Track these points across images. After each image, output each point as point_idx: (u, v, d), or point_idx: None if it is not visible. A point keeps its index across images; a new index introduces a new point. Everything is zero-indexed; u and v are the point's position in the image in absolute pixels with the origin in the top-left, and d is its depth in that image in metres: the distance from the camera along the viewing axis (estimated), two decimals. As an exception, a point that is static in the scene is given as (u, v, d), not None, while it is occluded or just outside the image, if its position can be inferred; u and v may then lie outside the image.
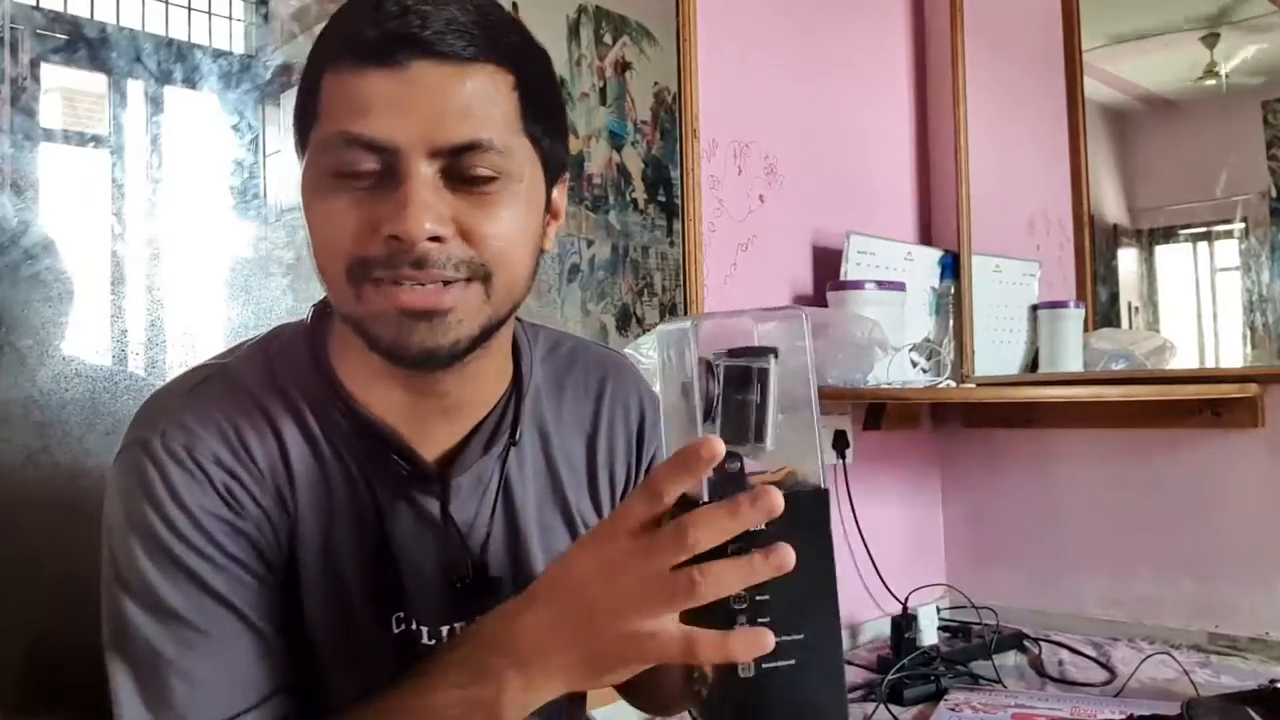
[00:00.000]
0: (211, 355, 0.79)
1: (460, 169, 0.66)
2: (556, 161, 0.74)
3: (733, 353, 0.58)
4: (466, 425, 0.78)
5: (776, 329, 0.59)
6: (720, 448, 0.54)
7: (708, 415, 0.58)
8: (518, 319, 0.82)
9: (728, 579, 0.54)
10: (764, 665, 0.55)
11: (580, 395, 0.87)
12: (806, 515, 0.56)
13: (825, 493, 0.57)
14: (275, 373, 0.75)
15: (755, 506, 0.53)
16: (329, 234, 0.67)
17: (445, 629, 0.76)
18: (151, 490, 0.68)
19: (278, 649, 0.70)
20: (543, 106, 0.71)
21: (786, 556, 0.53)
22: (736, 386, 0.57)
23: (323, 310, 0.78)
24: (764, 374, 0.57)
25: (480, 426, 0.78)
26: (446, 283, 0.66)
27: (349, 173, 0.66)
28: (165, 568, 0.67)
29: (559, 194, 0.76)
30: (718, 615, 0.54)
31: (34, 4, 0.94)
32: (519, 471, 0.81)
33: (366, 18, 0.65)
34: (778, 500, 0.53)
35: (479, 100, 0.66)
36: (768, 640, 0.54)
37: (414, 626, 0.76)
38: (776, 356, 0.57)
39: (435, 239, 0.65)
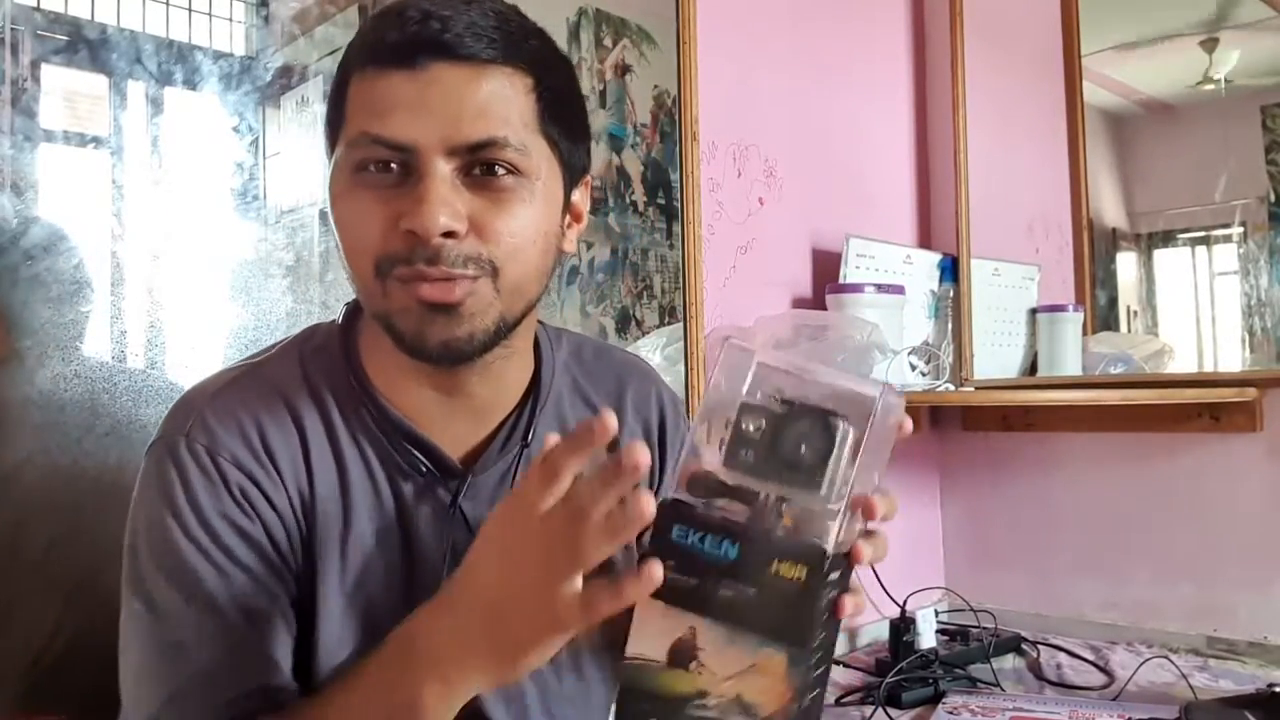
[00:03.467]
0: (247, 355, 0.82)
1: (479, 167, 0.69)
2: (576, 163, 0.76)
3: (788, 402, 0.60)
4: (490, 425, 0.80)
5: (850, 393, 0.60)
6: (611, 422, 0.56)
7: (735, 452, 0.59)
8: (541, 323, 0.85)
9: (601, 512, 0.55)
10: (809, 697, 0.58)
11: (602, 398, 0.89)
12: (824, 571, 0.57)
13: (821, 552, 0.57)
14: (308, 371, 0.77)
15: (625, 464, 0.55)
16: (356, 232, 0.70)
17: None
18: (169, 488, 0.70)
19: (270, 652, 0.71)
20: (561, 110, 0.73)
21: (638, 455, 0.55)
22: (800, 433, 0.59)
23: (355, 309, 0.80)
24: (835, 431, 0.58)
25: (502, 426, 0.80)
26: (455, 279, 0.68)
27: (371, 171, 0.69)
28: (171, 571, 0.69)
29: (580, 196, 0.79)
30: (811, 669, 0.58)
31: (35, 5, 0.94)
32: None
33: (391, 24, 0.68)
34: (643, 456, 0.55)
35: (496, 101, 0.69)
36: (654, 575, 0.55)
37: None
38: (845, 421, 0.58)
39: (449, 234, 0.67)
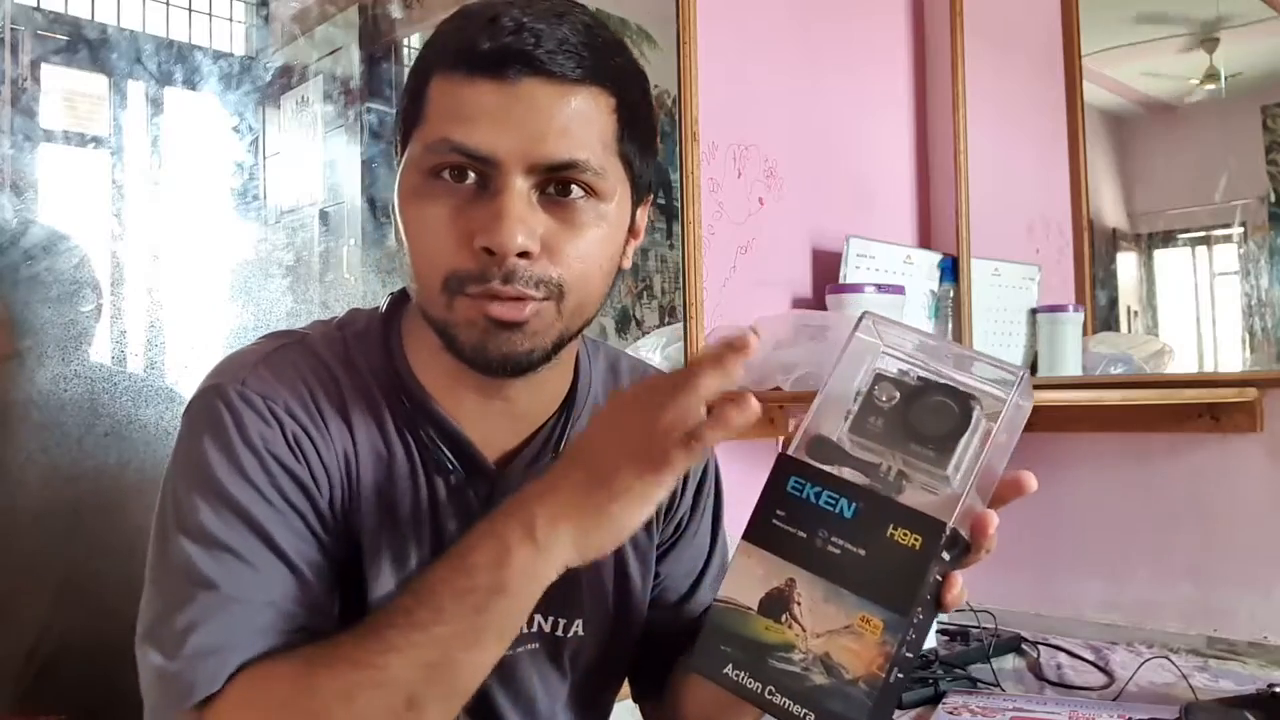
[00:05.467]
0: (281, 329, 0.81)
1: (554, 186, 0.69)
2: (644, 183, 0.76)
3: (924, 377, 0.60)
4: (525, 431, 0.80)
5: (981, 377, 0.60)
6: (752, 340, 0.59)
7: (863, 420, 0.60)
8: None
9: (730, 414, 0.59)
10: (896, 672, 0.58)
11: None
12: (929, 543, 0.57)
13: (941, 524, 0.57)
14: (351, 353, 0.77)
15: (736, 347, 0.59)
16: (427, 243, 0.69)
17: None
18: (221, 429, 0.69)
19: (319, 597, 0.70)
20: (639, 129, 0.73)
21: (752, 405, 0.59)
22: (933, 409, 0.59)
23: (399, 300, 0.80)
24: (972, 412, 0.58)
25: (538, 433, 0.80)
26: (525, 299, 0.68)
27: (446, 178, 0.68)
28: (220, 506, 0.67)
29: (641, 214, 0.79)
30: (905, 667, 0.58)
31: (35, 5, 0.94)
32: None
33: (482, 30, 0.67)
34: (750, 341, 0.59)
35: (580, 121, 0.68)
36: (753, 405, 0.59)
37: None
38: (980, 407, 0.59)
39: (524, 254, 0.67)
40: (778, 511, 0.59)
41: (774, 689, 0.58)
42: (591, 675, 0.86)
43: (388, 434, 0.76)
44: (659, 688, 0.92)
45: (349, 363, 0.76)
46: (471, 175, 0.68)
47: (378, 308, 0.81)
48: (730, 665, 0.59)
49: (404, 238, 0.72)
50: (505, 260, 0.67)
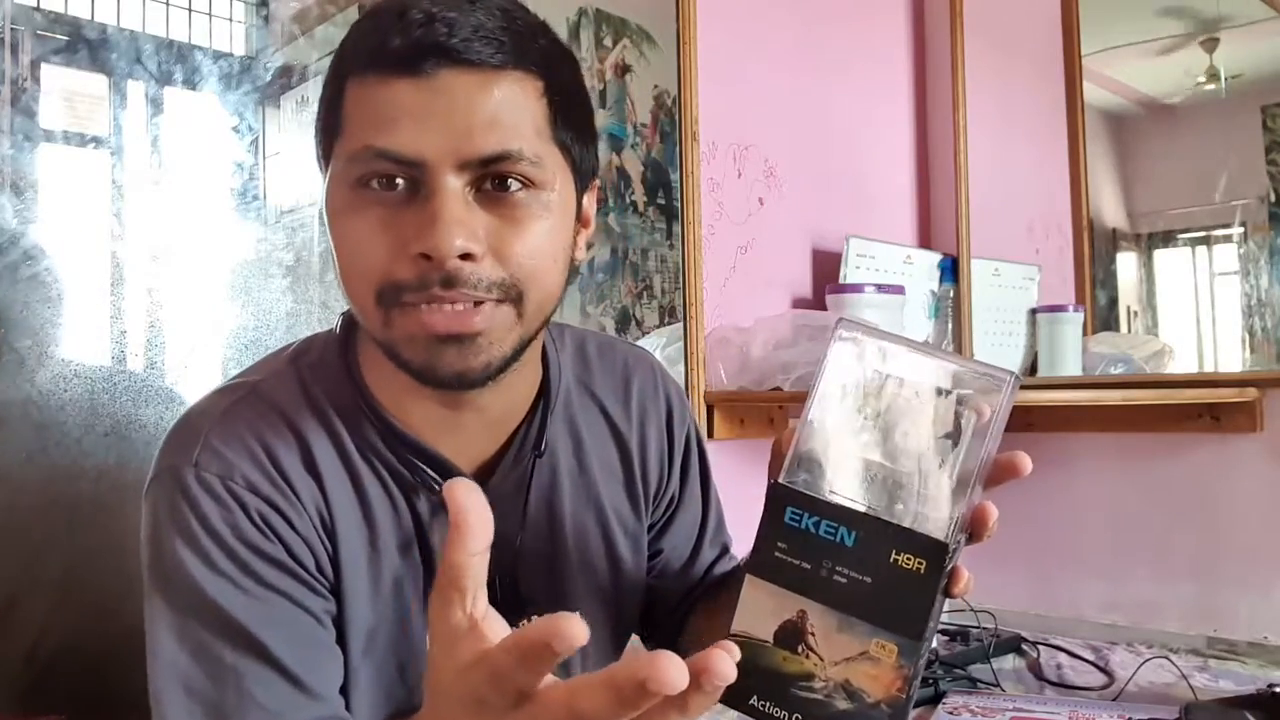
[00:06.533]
0: (241, 371, 0.77)
1: (490, 181, 0.65)
2: (586, 168, 0.73)
3: (910, 385, 0.59)
4: (503, 435, 0.77)
5: (966, 378, 0.59)
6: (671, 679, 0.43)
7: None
8: None
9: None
10: (914, 684, 0.57)
11: (609, 395, 0.86)
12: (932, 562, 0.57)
13: (943, 545, 0.56)
14: (308, 389, 0.73)
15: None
16: (357, 256, 0.65)
17: None
18: (185, 524, 0.66)
19: (306, 687, 0.67)
20: (572, 113, 0.70)
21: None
22: (921, 419, 0.58)
23: (353, 319, 0.76)
24: (960, 417, 0.58)
25: (515, 435, 0.77)
26: (477, 303, 0.64)
27: (374, 187, 0.64)
28: (196, 605, 0.65)
29: (589, 201, 0.75)
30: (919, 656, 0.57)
31: (35, 5, 0.94)
32: (554, 479, 0.80)
33: (392, 26, 0.63)
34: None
35: (508, 109, 0.64)
36: None
37: None
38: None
39: (466, 256, 0.63)
40: (779, 544, 0.59)
41: (800, 716, 0.58)
42: (597, 661, 0.85)
43: (355, 470, 0.72)
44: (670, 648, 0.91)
45: (308, 399, 0.72)
46: (401, 181, 0.64)
47: (332, 330, 0.77)
48: (755, 696, 0.59)
49: (335, 257, 0.68)
50: (444, 264, 0.62)
